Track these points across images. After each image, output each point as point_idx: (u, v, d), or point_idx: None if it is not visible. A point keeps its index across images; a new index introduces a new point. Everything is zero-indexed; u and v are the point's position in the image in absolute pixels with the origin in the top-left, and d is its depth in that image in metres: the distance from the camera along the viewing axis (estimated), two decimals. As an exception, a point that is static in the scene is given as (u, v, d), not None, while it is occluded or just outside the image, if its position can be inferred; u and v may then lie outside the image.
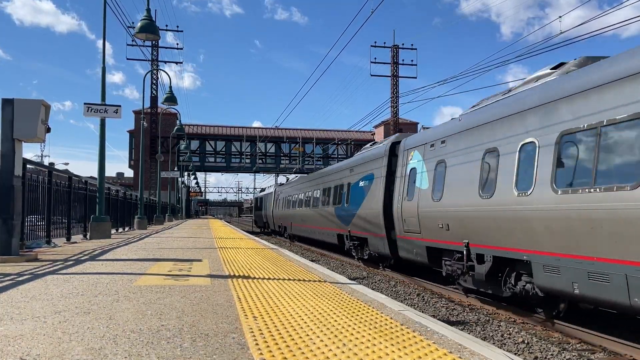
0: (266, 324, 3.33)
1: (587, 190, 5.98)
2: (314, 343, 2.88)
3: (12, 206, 6.86)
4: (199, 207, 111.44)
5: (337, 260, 18.61)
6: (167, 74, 51.30)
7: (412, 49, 48.09)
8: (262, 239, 16.48)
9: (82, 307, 3.82)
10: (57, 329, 3.14)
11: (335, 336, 3.06)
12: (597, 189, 5.82)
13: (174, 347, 2.74)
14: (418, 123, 51.73)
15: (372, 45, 46.94)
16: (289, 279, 5.66)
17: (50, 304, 3.95)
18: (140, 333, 3.05)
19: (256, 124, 61.65)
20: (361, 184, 15.06)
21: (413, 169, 11.41)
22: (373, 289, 6.89)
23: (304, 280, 5.66)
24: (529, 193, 7.05)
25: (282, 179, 46.68)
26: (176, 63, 53.46)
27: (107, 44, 13.49)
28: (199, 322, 3.36)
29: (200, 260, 7.65)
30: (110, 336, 2.96)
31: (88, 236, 12.97)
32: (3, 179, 6.80)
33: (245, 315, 3.61)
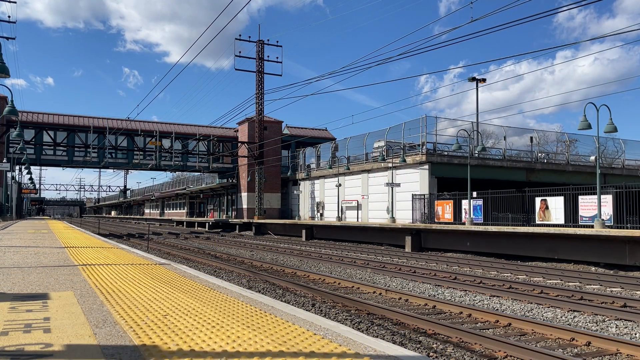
0: None
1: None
2: None
3: None
4: (32, 207, 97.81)
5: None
6: None
7: (277, 45, 47.41)
8: (125, 244, 13.91)
9: None
10: None
11: None
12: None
13: None
14: (282, 122, 51.29)
15: (236, 39, 45.21)
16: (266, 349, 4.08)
17: None
18: None
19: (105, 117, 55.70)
20: None
21: None
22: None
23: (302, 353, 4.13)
24: None
25: (134, 175, 42.62)
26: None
27: None
28: None
29: (58, 294, 5.56)
30: None
31: None
32: None
33: None
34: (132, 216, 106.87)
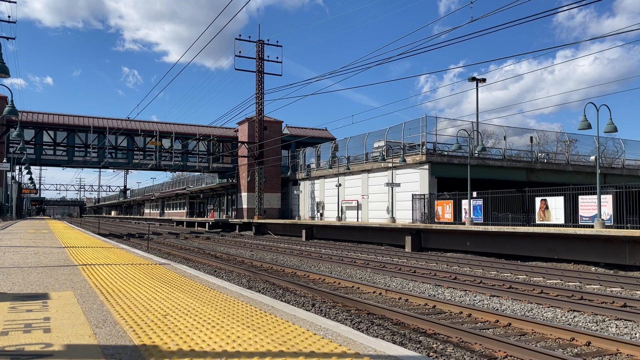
0: None
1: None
2: None
3: None
4: (32, 207, 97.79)
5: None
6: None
7: (277, 45, 47.40)
8: (125, 244, 13.91)
9: None
10: None
11: None
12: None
13: None
14: (282, 122, 51.29)
15: (236, 39, 45.23)
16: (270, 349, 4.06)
17: None
18: None
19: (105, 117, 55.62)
20: None
21: None
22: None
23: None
24: None
25: (134, 175, 42.75)
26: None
27: None
28: None
29: (58, 294, 5.56)
30: None
31: None
32: None
33: None
34: (132, 216, 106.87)
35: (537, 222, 21.81)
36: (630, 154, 40.97)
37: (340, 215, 37.85)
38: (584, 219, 19.99)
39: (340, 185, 38.30)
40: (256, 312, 4.57)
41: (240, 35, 46.48)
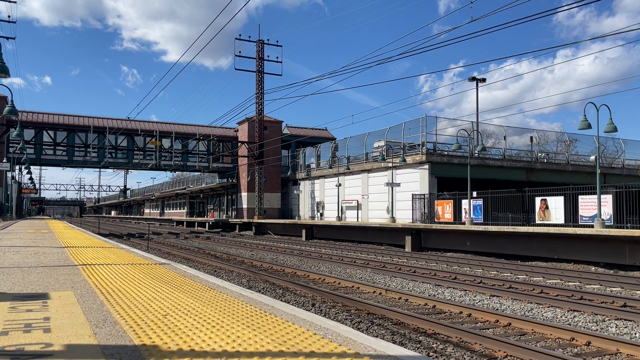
0: None
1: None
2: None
3: None
4: (32, 206, 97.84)
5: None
6: None
7: (277, 45, 47.39)
8: (125, 244, 13.89)
9: None
10: None
11: None
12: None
13: None
14: (282, 122, 51.29)
15: (236, 38, 45.22)
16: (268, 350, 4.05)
17: None
18: None
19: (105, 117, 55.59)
20: None
21: None
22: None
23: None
24: None
25: (134, 175, 42.74)
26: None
27: None
28: None
29: (58, 294, 5.55)
30: None
31: None
32: None
33: None
34: (132, 216, 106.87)
35: (537, 222, 21.80)
36: (630, 154, 40.98)
37: (340, 215, 37.84)
38: (584, 218, 19.99)
39: (340, 185, 38.29)
40: (256, 312, 4.57)
41: (240, 35, 46.54)
